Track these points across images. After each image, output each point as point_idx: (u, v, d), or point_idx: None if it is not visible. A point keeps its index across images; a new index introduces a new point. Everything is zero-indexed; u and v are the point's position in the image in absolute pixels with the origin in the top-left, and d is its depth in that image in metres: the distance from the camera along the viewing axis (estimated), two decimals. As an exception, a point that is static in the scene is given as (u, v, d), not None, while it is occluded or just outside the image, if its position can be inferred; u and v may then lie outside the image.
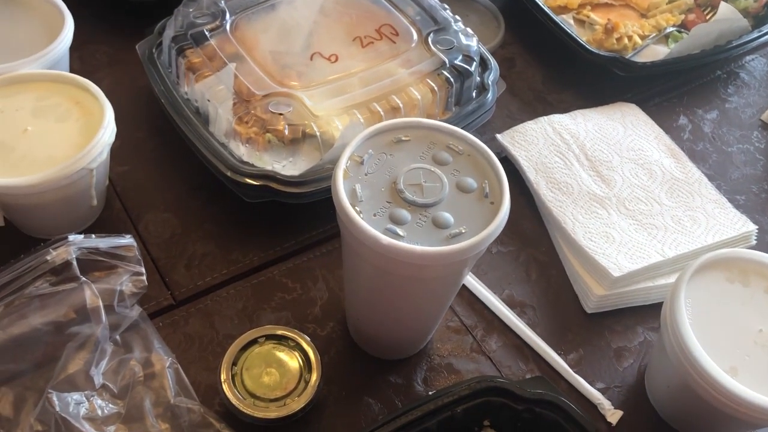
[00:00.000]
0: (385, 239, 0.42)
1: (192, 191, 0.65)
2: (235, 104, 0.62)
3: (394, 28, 0.68)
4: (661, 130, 0.73)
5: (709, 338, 0.49)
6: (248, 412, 0.49)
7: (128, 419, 0.51)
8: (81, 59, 0.74)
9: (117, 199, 0.64)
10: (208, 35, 0.65)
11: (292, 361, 0.52)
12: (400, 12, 0.70)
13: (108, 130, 0.56)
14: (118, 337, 0.54)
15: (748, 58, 0.85)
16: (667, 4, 0.86)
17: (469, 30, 0.70)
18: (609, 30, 0.80)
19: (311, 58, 0.65)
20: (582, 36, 0.81)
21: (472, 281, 0.62)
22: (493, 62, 0.71)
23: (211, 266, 0.61)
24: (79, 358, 0.52)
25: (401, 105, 0.63)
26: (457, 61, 0.66)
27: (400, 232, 0.43)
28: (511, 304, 0.61)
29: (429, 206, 0.45)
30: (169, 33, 0.67)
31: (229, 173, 0.59)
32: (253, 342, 0.53)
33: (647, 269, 0.61)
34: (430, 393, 0.51)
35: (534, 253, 0.65)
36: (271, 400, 0.50)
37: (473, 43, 0.69)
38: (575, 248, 0.63)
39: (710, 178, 0.71)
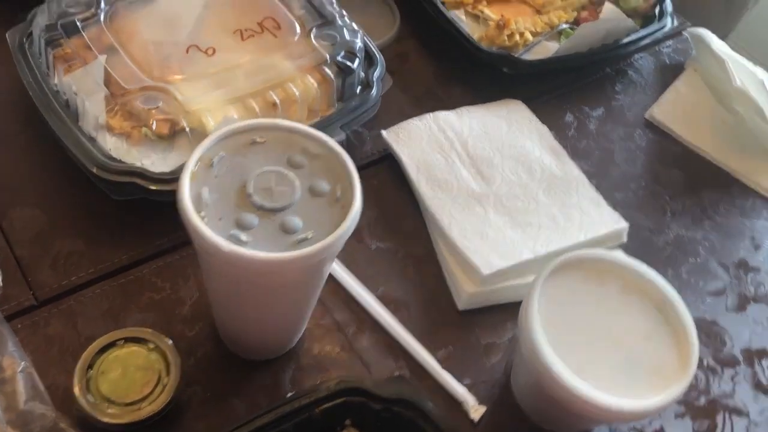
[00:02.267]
0: (226, 246, 0.41)
1: (63, 187, 0.63)
2: (106, 98, 0.60)
3: (277, 21, 0.67)
4: (546, 128, 0.75)
5: (560, 337, 0.50)
6: (99, 417, 0.48)
7: (-23, 425, 0.49)
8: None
9: (-19, 193, 0.62)
10: (80, 26, 0.63)
11: (151, 364, 0.51)
12: (285, 5, 0.69)
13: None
14: (-28, 339, 0.53)
15: (636, 56, 0.87)
16: (561, 1, 0.88)
17: (354, 25, 0.70)
18: (501, 26, 0.81)
19: (187, 51, 0.64)
20: (476, 32, 0.82)
21: (346, 278, 0.62)
22: (379, 58, 0.71)
23: (77, 265, 0.59)
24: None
25: (278, 101, 0.62)
26: (339, 57, 0.66)
27: (244, 238, 0.43)
28: (386, 301, 0.62)
29: (278, 211, 0.44)
30: (40, 21, 0.64)
31: (94, 170, 0.58)
32: (112, 345, 0.52)
33: (517, 266, 0.62)
34: (289, 395, 0.51)
35: (412, 250, 0.66)
36: (127, 404, 0.50)
37: (358, 38, 0.69)
38: (450, 245, 0.64)
39: (591, 176, 0.73)
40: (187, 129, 0.59)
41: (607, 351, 0.51)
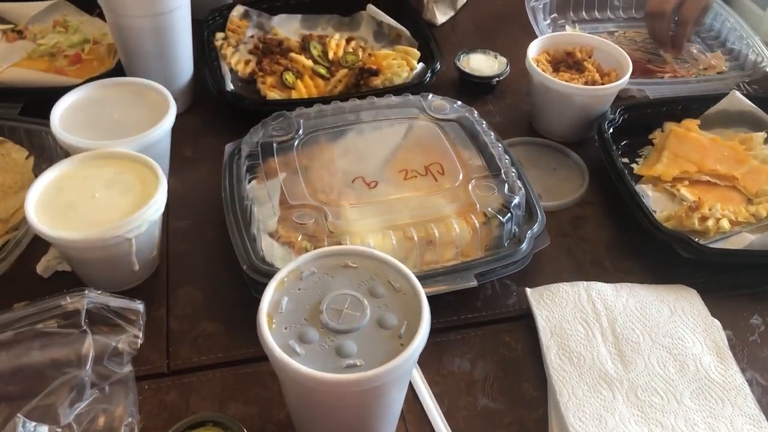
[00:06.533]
0: (278, 352, 0.44)
1: (225, 279, 0.71)
2: (278, 210, 0.68)
3: (443, 167, 0.72)
4: (718, 325, 0.67)
5: None
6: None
7: (77, 462, 0.56)
8: (194, 148, 0.86)
9: (165, 269, 0.73)
10: (275, 148, 0.73)
11: (226, 449, 0.55)
12: (459, 153, 0.73)
13: (152, 209, 0.65)
14: (107, 387, 0.61)
15: None
16: (779, 193, 0.80)
17: (520, 182, 0.71)
18: (692, 208, 0.76)
19: (353, 181, 0.70)
20: (667, 210, 0.78)
21: (439, 424, 0.60)
22: (540, 217, 0.71)
23: (211, 347, 0.66)
24: (60, 394, 0.59)
25: (437, 234, 0.65)
26: (489, 209, 0.67)
27: (299, 350, 0.45)
28: (474, 462, 0.58)
29: (340, 333, 0.46)
30: (250, 139, 0.76)
31: (244, 267, 0.65)
32: (202, 424, 0.56)
33: (624, 467, 0.55)
34: None
35: (523, 418, 0.62)
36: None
37: (518, 195, 0.69)
38: (561, 424, 0.59)
39: (765, 391, 0.63)
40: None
41: None
